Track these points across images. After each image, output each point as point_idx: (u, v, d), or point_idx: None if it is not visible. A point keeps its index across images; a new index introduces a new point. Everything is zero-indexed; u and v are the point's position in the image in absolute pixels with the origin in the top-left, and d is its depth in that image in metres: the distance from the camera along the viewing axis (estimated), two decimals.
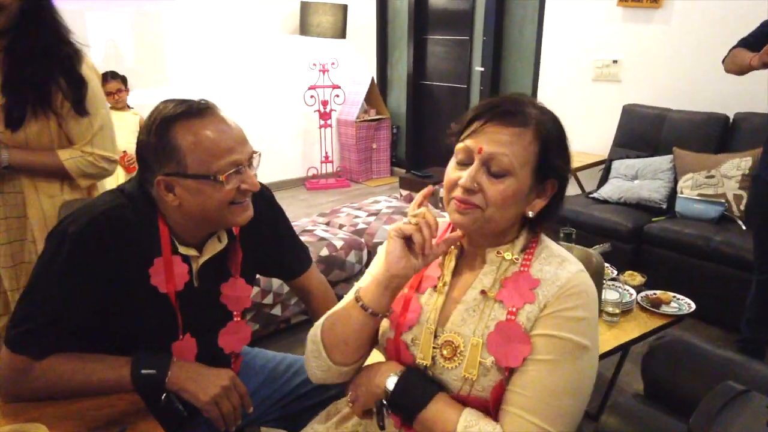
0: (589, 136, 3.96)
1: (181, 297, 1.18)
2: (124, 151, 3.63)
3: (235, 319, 1.27)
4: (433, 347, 1.00)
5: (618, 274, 2.29)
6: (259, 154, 1.17)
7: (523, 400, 0.92)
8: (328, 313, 1.09)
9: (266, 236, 1.34)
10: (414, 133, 6.07)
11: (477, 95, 5.27)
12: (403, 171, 5.95)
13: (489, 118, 0.94)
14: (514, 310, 0.95)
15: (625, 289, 2.10)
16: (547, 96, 4.30)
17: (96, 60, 4.22)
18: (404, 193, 3.57)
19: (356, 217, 3.30)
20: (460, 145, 0.97)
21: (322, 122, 5.54)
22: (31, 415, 1.04)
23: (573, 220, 3.12)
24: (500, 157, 0.92)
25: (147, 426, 1.03)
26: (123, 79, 3.78)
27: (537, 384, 0.92)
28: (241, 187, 1.13)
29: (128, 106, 3.89)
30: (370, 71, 6.02)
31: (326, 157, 5.69)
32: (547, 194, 0.99)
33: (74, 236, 1.08)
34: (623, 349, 2.00)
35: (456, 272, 1.05)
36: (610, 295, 2.03)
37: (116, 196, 1.16)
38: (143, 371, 1.11)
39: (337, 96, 5.59)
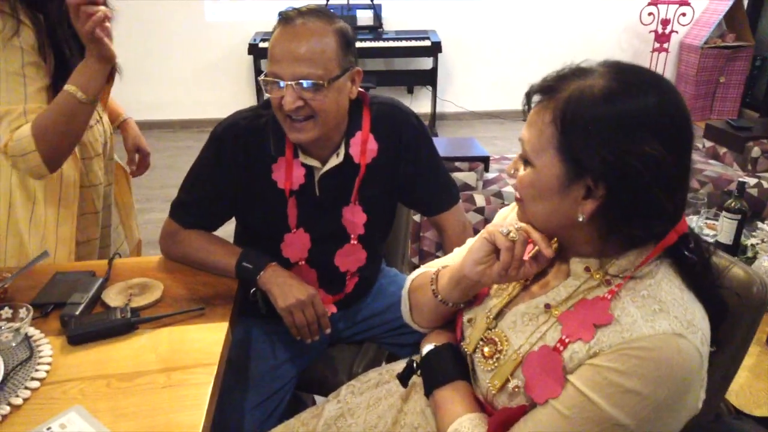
0: None
1: (300, 199, 1.27)
2: None
3: (351, 242, 1.33)
4: (480, 339, 0.88)
5: None
6: (317, 84, 1.11)
7: None
8: (421, 270, 1.07)
9: (406, 167, 1.32)
10: None
11: None
12: (757, 115, 4.80)
13: (531, 94, 0.80)
14: (566, 341, 0.76)
15: None
16: None
17: None
18: (707, 144, 2.82)
19: None
20: None
21: (657, 45, 4.77)
22: (156, 275, 1.28)
23: None
24: (522, 142, 0.79)
25: (223, 311, 1.17)
26: None
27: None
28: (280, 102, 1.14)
29: None
30: None
31: None
32: (597, 196, 0.73)
33: (216, 135, 1.27)
34: None
35: (544, 271, 0.89)
36: None
37: (261, 105, 1.29)
38: (244, 264, 1.25)
39: (683, 15, 4.69)
